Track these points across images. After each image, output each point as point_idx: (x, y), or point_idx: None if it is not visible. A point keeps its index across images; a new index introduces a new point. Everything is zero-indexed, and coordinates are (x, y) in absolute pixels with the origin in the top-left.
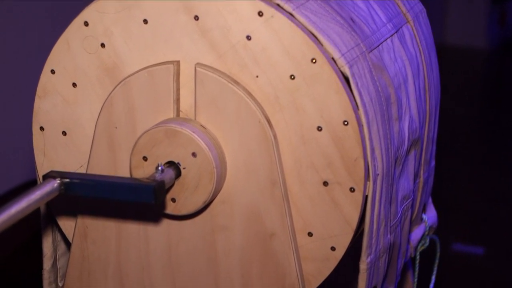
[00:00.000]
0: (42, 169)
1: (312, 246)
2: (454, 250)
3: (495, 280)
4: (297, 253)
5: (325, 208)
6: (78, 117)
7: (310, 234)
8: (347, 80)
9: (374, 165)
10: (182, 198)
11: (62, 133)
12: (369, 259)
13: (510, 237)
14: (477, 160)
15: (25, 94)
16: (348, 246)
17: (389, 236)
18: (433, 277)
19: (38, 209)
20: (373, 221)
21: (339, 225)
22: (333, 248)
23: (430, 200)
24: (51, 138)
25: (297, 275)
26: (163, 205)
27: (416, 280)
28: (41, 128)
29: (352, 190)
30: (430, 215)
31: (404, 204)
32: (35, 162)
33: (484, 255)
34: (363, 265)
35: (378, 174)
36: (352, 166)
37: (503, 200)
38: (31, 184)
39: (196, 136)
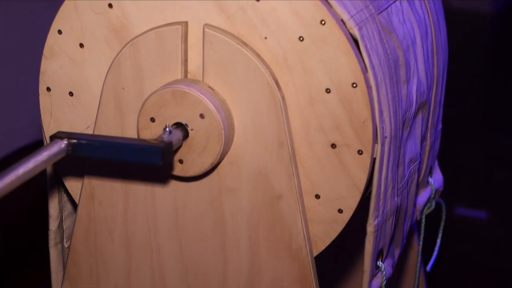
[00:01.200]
0: (48, 129)
1: (319, 208)
2: (457, 214)
3: (498, 245)
4: (304, 215)
5: (333, 170)
6: (85, 77)
7: (317, 196)
8: (356, 42)
9: (382, 128)
10: (189, 160)
11: (69, 94)
12: (376, 221)
13: None
14: (483, 124)
15: (32, 55)
16: (356, 209)
17: (396, 199)
18: (438, 241)
19: (43, 170)
20: (380, 184)
21: (346, 187)
22: (340, 211)
23: (436, 163)
24: (58, 98)
25: (304, 237)
26: (170, 167)
27: (421, 243)
28: (48, 89)
29: (360, 152)
30: (436, 179)
31: (411, 167)
32: (41, 123)
33: (487, 219)
34: (370, 228)
35: (386, 137)
36: (360, 128)
37: (508, 164)
38: (36, 145)
39: (204, 98)
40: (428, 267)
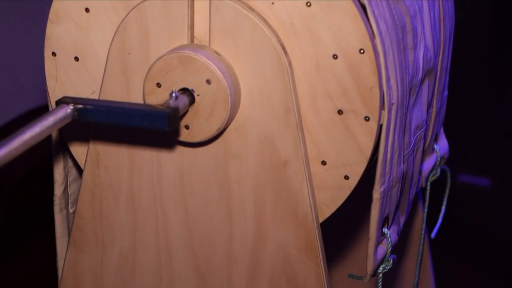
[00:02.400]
0: (54, 94)
1: (325, 175)
2: (460, 181)
3: (501, 212)
4: (310, 181)
5: (339, 137)
6: (91, 42)
7: (323, 163)
8: (363, 8)
9: (389, 94)
10: (195, 125)
11: (75, 59)
12: (382, 188)
13: None
14: (488, 91)
15: (37, 19)
16: (362, 175)
17: (402, 165)
18: (443, 208)
19: (48, 135)
20: (387, 151)
21: (353, 154)
22: (346, 177)
23: (441, 130)
24: (63, 63)
25: (310, 203)
26: (176, 132)
27: (426, 210)
28: (53, 54)
29: (366, 119)
30: (442, 146)
31: (417, 134)
32: (46, 88)
33: (490, 186)
34: (376, 194)
35: (393, 103)
36: (367, 94)
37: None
38: (41, 110)
39: (211, 63)
40: (433, 234)
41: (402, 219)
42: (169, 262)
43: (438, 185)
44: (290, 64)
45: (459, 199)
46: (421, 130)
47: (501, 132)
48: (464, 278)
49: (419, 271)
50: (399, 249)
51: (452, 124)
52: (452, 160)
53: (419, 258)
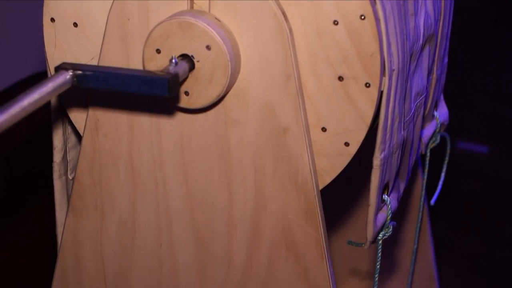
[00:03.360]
0: (52, 61)
1: (325, 142)
2: (458, 149)
3: (500, 179)
4: (311, 148)
5: (339, 103)
6: (90, 8)
7: (324, 129)
8: None
9: (390, 61)
10: (195, 92)
11: (73, 25)
12: (382, 155)
13: None
14: (488, 59)
15: None
16: (362, 142)
17: (402, 132)
18: (443, 175)
19: (47, 102)
20: (387, 117)
21: (353, 120)
22: (346, 144)
23: (441, 97)
24: (62, 29)
25: (310, 170)
26: (176, 99)
27: (425, 177)
28: (52, 20)
29: (367, 85)
30: (442, 112)
31: (418, 101)
32: (45, 54)
33: (489, 153)
34: (376, 161)
35: (393, 70)
36: (368, 61)
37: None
38: (39, 76)
39: (211, 29)
40: (432, 201)
41: (402, 186)
42: (169, 228)
43: (437, 152)
44: (290, 30)
45: (458, 166)
46: (422, 97)
47: (500, 99)
48: (462, 245)
49: (418, 238)
50: (399, 216)
51: (452, 91)
52: (451, 127)
53: (418, 225)
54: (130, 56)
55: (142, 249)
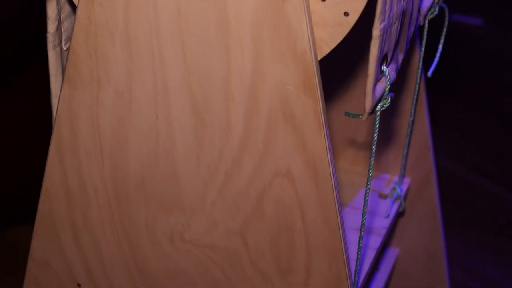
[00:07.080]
0: None
1: (325, 11)
2: (453, 21)
3: (493, 53)
4: (310, 18)
5: None
6: None
7: None
8: None
9: None
10: None
11: None
12: (382, 25)
13: (508, 9)
14: None
15: None
16: (362, 12)
17: (402, 2)
18: (440, 46)
19: None
20: None
21: None
22: (346, 14)
23: None
24: None
25: (309, 40)
26: None
27: (423, 48)
28: None
29: None
30: None
31: None
32: None
33: (483, 26)
34: (376, 32)
35: None
36: None
37: None
38: None
39: None
40: (429, 73)
41: (400, 57)
42: (166, 99)
43: (433, 25)
44: None
45: (452, 39)
46: None
47: None
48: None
49: (414, 110)
50: (396, 87)
51: None
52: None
53: (415, 96)
54: None
55: (138, 121)
